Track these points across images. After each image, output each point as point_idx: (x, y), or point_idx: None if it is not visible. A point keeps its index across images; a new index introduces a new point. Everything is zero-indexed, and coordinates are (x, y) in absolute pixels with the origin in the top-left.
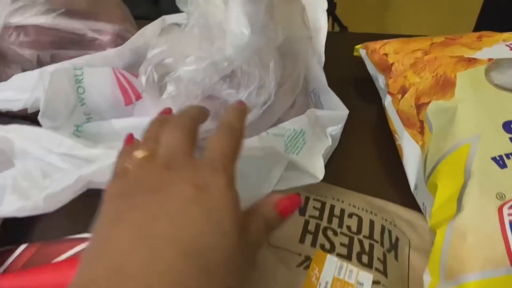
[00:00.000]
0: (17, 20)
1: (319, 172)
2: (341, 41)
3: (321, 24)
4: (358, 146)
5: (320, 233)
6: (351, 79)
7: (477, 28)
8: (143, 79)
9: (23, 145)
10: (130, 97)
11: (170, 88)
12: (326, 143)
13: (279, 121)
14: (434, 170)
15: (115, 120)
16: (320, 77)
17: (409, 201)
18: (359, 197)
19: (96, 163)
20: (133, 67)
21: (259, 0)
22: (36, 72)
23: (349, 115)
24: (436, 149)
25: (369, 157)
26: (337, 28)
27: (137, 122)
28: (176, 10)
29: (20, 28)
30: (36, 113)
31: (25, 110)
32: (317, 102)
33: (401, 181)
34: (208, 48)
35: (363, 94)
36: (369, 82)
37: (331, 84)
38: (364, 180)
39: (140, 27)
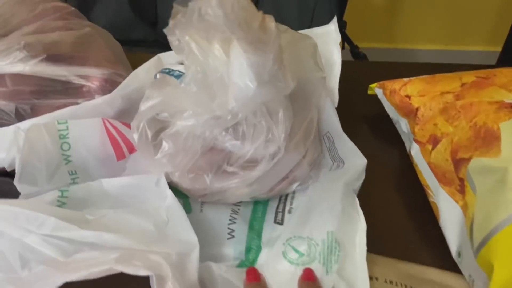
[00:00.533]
0: None
1: None
2: (354, 71)
3: (335, 59)
4: (381, 198)
5: None
6: (366, 116)
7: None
8: (135, 136)
9: None
10: (122, 151)
11: (165, 145)
12: (360, 225)
13: (291, 172)
14: (486, 243)
15: (105, 180)
16: (333, 121)
17: (447, 263)
18: (393, 266)
19: (85, 269)
20: (126, 115)
21: (266, 49)
22: (13, 128)
23: (368, 162)
24: (485, 217)
25: (395, 212)
26: (347, 47)
27: (131, 181)
28: None
29: None
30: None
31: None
32: (331, 147)
33: (434, 240)
34: (208, 104)
35: (382, 134)
36: (387, 119)
37: (345, 122)
38: (391, 240)
39: (136, 57)
